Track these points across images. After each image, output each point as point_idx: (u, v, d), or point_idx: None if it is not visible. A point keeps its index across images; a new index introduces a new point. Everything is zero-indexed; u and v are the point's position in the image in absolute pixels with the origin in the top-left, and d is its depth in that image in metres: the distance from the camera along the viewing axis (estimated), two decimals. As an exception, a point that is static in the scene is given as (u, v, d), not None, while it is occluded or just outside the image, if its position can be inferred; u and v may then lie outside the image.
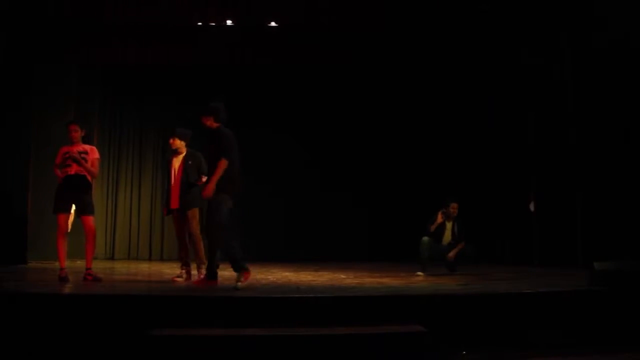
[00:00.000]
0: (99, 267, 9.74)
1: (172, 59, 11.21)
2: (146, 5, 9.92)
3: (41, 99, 10.19)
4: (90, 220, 6.78)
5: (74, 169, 6.70)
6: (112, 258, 12.23)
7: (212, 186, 6.05)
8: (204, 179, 6.85)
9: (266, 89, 12.64)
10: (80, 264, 8.08)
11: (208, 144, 6.37)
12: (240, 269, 6.08)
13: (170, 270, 8.84)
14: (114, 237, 12.42)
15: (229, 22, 10.88)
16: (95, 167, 6.89)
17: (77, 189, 6.71)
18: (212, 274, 6.43)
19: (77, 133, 6.87)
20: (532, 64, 10.00)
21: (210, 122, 6.37)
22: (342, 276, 7.75)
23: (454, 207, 8.25)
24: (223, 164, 6.05)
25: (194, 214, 7.22)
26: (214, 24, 10.92)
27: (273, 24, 10.92)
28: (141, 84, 12.44)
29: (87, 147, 6.91)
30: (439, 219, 8.19)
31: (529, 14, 9.73)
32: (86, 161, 6.77)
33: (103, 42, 10.90)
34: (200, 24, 10.92)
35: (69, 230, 7.06)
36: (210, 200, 6.13)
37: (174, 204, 7.20)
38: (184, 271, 7.20)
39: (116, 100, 12.69)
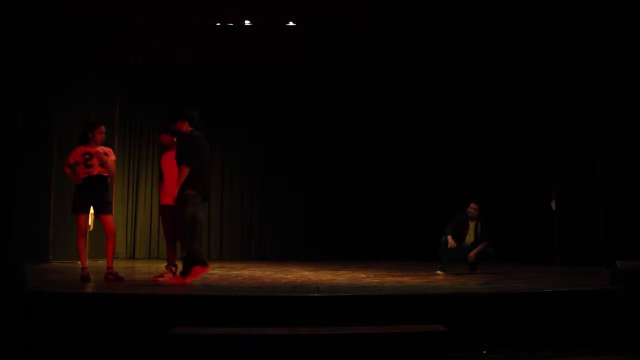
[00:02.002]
0: (120, 266, 9.82)
1: (191, 59, 11.28)
2: (166, 6, 9.98)
3: (62, 100, 10.30)
4: (110, 219, 6.83)
5: (96, 170, 6.75)
6: (132, 257, 12.33)
7: (175, 192, 6.41)
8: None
9: (287, 89, 12.66)
10: (101, 263, 8.15)
11: (180, 144, 6.76)
12: (198, 262, 6.38)
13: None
14: (134, 237, 12.52)
15: (247, 22, 10.93)
16: (114, 168, 6.99)
17: (97, 189, 6.76)
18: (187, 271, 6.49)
19: (104, 135, 6.96)
20: (554, 64, 9.90)
21: (185, 127, 6.67)
22: (362, 275, 7.74)
23: (473, 208, 8.17)
24: (185, 171, 6.37)
25: None
26: (232, 24, 10.98)
27: (291, 23, 10.95)
28: (161, 84, 12.52)
29: (106, 148, 6.97)
30: (451, 242, 8.04)
31: (552, 13, 9.67)
32: (107, 162, 6.85)
33: (123, 42, 11.01)
34: (218, 24, 10.99)
35: (91, 230, 7.12)
36: (177, 198, 6.40)
37: (166, 199, 7.05)
38: (167, 270, 7.07)
39: (136, 101, 12.78)
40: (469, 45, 11.13)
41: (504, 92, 11.46)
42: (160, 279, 6.86)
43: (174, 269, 7.05)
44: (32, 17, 9.36)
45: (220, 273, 8.13)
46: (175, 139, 7.20)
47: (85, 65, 10.96)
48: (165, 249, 7.52)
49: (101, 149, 6.89)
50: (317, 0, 10.08)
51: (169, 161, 7.09)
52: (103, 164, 6.77)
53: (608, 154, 8.53)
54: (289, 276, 7.64)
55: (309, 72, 12.40)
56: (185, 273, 6.42)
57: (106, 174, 6.83)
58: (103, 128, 6.95)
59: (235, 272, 8.35)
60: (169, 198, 6.92)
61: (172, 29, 10.91)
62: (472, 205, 8.17)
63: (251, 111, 12.62)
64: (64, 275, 7.56)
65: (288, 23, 10.97)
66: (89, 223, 7.79)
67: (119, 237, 12.26)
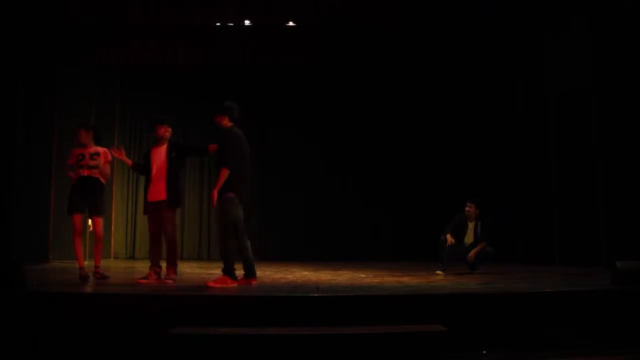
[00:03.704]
0: (120, 266, 9.85)
1: (190, 59, 11.28)
2: (166, 6, 9.98)
3: (62, 100, 10.31)
4: (99, 222, 6.99)
5: (86, 171, 6.83)
6: (132, 257, 12.32)
7: (215, 195, 6.21)
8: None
9: (285, 89, 12.66)
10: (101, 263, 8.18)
11: (220, 142, 6.45)
12: (228, 272, 6.26)
13: (190, 269, 8.90)
14: (134, 237, 12.52)
15: (247, 22, 10.93)
16: (107, 169, 7.01)
17: (88, 191, 6.84)
18: (250, 273, 6.46)
19: (81, 135, 6.98)
20: (554, 64, 9.90)
21: (225, 122, 6.45)
22: (362, 275, 7.73)
23: (469, 207, 8.19)
24: (224, 173, 6.19)
25: (172, 214, 6.82)
26: (232, 24, 10.98)
27: (291, 23, 10.95)
28: (160, 84, 12.51)
29: (99, 149, 7.01)
30: (450, 239, 8.04)
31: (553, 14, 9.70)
32: (97, 163, 6.89)
33: (123, 42, 11.00)
34: (218, 24, 10.99)
35: (91, 230, 7.14)
36: (218, 201, 6.23)
37: (153, 196, 6.79)
38: (152, 272, 6.77)
39: (136, 100, 12.77)
40: (470, 45, 11.12)
41: (504, 92, 11.45)
42: (144, 280, 6.67)
43: (158, 269, 6.85)
44: (33, 17, 9.36)
45: (220, 273, 8.11)
46: (165, 134, 6.89)
47: (86, 65, 10.96)
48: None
49: (95, 149, 6.98)
50: (317, 0, 10.08)
51: (158, 156, 6.84)
52: (96, 166, 6.84)
53: (608, 153, 8.53)
54: (289, 276, 7.64)
55: (308, 72, 12.39)
56: (228, 272, 6.29)
57: (96, 176, 6.88)
58: (77, 128, 7.05)
59: (235, 272, 8.34)
60: (156, 195, 6.77)
61: (171, 29, 10.90)
62: (467, 204, 8.20)
63: (251, 111, 12.57)
64: (64, 275, 7.55)
65: (288, 23, 10.97)
66: (89, 223, 7.79)
67: (119, 237, 12.28)
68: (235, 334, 4.50)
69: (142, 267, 9.72)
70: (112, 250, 12.11)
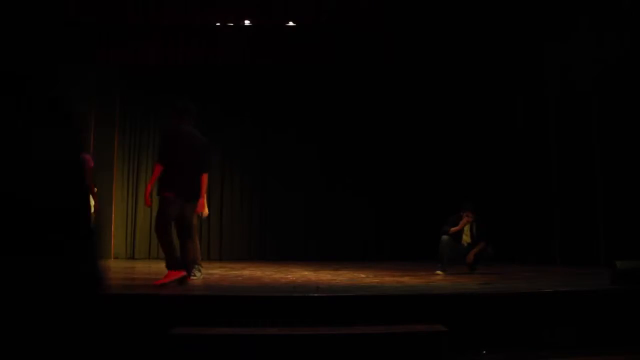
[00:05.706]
0: (121, 266, 9.85)
1: (191, 59, 11.30)
2: (166, 6, 9.99)
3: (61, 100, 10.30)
4: None
5: None
6: (132, 257, 12.33)
7: (147, 192, 6.27)
8: None
9: (285, 89, 12.66)
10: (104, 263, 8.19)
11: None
12: (171, 267, 5.98)
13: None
14: (134, 237, 12.52)
15: (247, 22, 10.94)
16: (90, 175, 7.10)
17: None
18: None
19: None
20: (554, 63, 9.90)
21: (173, 120, 6.37)
22: (362, 275, 7.74)
23: (468, 216, 8.13)
24: (157, 169, 6.19)
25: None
26: (232, 24, 11.00)
27: (291, 23, 10.96)
28: (161, 85, 12.52)
29: (85, 155, 7.06)
30: (463, 223, 8.04)
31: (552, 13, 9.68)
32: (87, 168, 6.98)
33: (123, 42, 11.02)
34: (218, 24, 11.00)
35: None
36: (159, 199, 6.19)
37: None
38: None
39: (136, 101, 12.78)
40: (468, 46, 11.13)
41: (503, 92, 11.45)
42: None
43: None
44: (32, 17, 9.36)
45: (220, 273, 8.13)
46: None
47: (86, 66, 10.96)
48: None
49: (86, 155, 7.00)
50: (317, 1, 10.09)
51: None
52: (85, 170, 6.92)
53: (607, 153, 8.53)
54: (289, 276, 7.63)
55: (308, 73, 12.40)
56: (170, 267, 5.99)
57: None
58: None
59: (235, 272, 8.35)
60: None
61: (172, 29, 10.92)
62: (465, 214, 8.10)
63: (251, 111, 12.63)
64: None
65: (288, 23, 10.98)
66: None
67: (119, 237, 12.27)
68: (235, 334, 4.50)
69: (142, 267, 9.75)
70: (112, 250, 12.11)
